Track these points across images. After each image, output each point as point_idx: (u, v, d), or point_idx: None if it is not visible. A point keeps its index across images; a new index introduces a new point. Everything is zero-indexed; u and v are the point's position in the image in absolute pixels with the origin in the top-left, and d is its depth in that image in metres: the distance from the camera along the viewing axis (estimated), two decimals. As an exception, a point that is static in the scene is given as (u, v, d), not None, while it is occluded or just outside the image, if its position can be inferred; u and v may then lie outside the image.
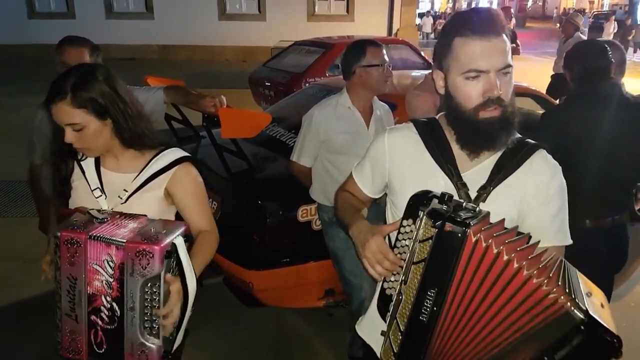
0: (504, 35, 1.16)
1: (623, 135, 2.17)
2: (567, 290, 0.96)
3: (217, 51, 14.03)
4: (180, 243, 1.30)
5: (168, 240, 1.25)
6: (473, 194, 1.22)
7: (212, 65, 13.08)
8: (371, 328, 1.41)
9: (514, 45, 7.45)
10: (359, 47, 2.39)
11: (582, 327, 0.93)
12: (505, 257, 1.00)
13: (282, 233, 2.76)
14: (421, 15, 24.88)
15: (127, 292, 1.24)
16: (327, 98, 2.53)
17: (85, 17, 13.60)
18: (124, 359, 1.29)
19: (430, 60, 5.92)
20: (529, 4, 45.77)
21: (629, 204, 2.39)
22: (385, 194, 1.42)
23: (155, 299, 1.25)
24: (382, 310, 1.19)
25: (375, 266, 1.13)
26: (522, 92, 4.27)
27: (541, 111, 3.44)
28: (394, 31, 14.14)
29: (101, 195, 1.48)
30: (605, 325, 0.92)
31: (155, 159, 1.50)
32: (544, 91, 4.87)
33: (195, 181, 1.53)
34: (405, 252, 1.12)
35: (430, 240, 1.03)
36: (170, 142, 1.61)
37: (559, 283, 0.97)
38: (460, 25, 1.17)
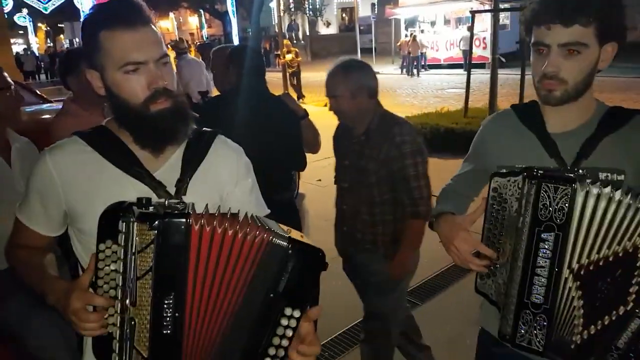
0: (152, 26, 1.12)
1: (268, 127, 2.45)
2: (268, 229, 0.99)
3: None
4: None
5: None
6: (171, 190, 1.16)
7: None
8: None
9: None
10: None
11: (290, 251, 0.96)
12: (230, 232, 0.97)
13: None
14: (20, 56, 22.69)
15: None
16: None
17: None
18: None
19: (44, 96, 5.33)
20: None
21: (291, 182, 2.75)
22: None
23: None
24: (105, 356, 1.02)
25: (86, 325, 1.00)
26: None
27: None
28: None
29: None
30: (308, 242, 0.98)
31: None
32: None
33: None
34: (114, 279, 1.00)
35: (152, 245, 0.96)
36: None
37: (260, 226, 0.99)
38: (104, 18, 1.09)
